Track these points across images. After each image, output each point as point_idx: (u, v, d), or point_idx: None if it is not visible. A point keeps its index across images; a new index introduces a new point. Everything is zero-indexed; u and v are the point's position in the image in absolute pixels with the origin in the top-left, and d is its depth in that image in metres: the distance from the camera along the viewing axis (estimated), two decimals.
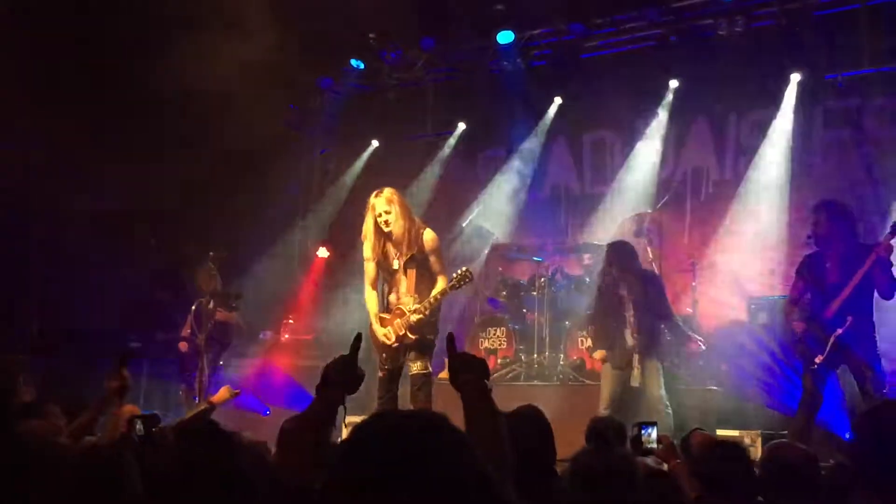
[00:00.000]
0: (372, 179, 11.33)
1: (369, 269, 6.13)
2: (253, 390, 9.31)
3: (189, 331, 8.28)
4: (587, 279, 8.50)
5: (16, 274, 9.48)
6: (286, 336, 10.19)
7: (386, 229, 5.93)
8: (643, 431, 3.59)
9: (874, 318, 5.90)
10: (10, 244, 9.29)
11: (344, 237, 11.06)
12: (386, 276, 6.11)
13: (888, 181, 8.33)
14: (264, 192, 10.81)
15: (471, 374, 2.39)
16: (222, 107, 9.35)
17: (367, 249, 6.10)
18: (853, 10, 8.67)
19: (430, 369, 5.97)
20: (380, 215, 5.92)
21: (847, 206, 6.31)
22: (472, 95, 10.78)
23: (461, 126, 11.06)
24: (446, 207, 10.27)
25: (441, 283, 5.98)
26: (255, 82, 9.92)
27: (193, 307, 8.06)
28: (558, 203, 10.59)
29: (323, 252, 11.24)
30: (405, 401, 6.06)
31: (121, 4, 9.28)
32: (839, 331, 5.75)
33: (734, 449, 3.28)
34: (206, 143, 9.79)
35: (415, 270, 5.96)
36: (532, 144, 10.56)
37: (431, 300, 5.93)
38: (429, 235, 5.98)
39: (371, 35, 10.72)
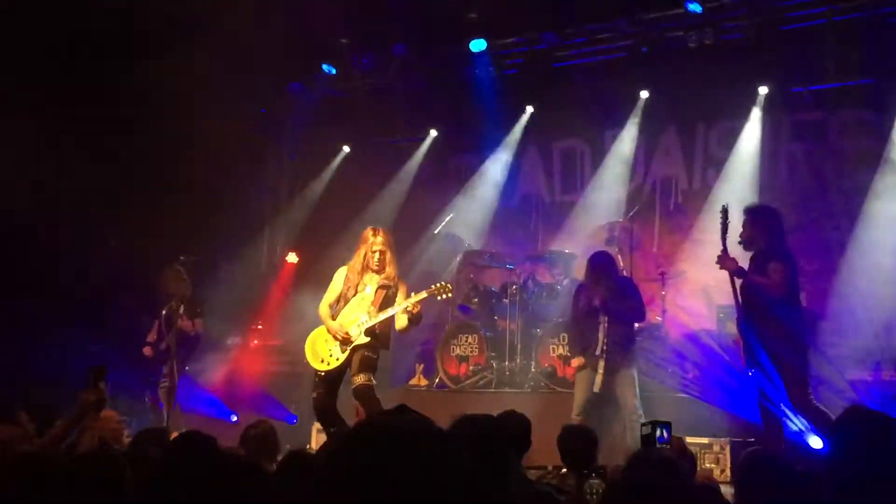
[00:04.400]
0: (342, 185, 11.33)
1: (334, 290, 6.56)
2: (221, 396, 9.21)
3: (156, 336, 8.13)
4: (558, 287, 8.53)
5: None
6: (254, 342, 10.10)
7: (375, 266, 6.43)
8: (656, 430, 3.57)
9: (784, 320, 5.89)
10: None
11: (313, 243, 11.02)
12: (349, 296, 6.48)
13: (852, 192, 8.49)
14: (233, 196, 10.72)
15: None
16: (191, 111, 9.26)
17: (341, 276, 6.56)
18: (820, 25, 8.84)
19: (374, 381, 6.30)
20: (374, 252, 6.43)
21: (772, 212, 6.36)
22: (444, 102, 10.80)
23: (433, 133, 11.06)
24: (417, 214, 10.26)
25: (402, 320, 6.40)
26: (225, 87, 9.84)
27: (163, 312, 7.89)
28: (529, 211, 10.64)
29: (292, 257, 11.16)
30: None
31: (88, 3, 9.17)
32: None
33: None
34: (173, 146, 9.69)
35: (384, 293, 6.42)
36: (503, 152, 10.60)
37: (408, 303, 6.29)
38: (403, 288, 6.51)
39: (343, 40, 10.69)
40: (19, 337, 9.12)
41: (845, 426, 3.16)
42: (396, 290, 6.47)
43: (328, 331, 6.45)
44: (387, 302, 6.42)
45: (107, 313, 9.63)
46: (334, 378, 6.42)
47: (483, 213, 10.45)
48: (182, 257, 7.95)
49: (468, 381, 8.42)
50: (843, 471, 2.95)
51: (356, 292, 6.47)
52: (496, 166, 10.60)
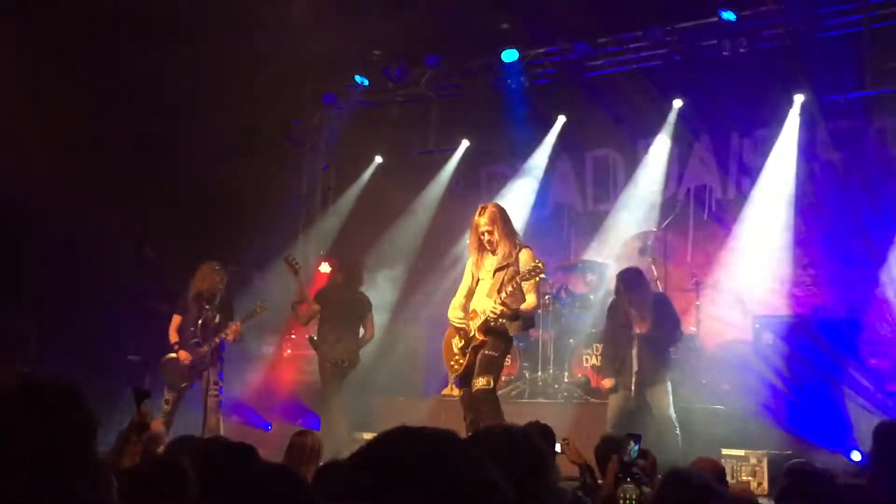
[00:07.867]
0: (375, 195, 11.39)
1: (467, 281, 6.25)
2: (254, 405, 9.27)
3: (177, 337, 7.77)
4: (591, 297, 8.50)
5: (14, 286, 9.46)
6: (288, 351, 10.15)
7: (490, 248, 6.06)
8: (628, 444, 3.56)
9: None
10: (6, 254, 9.26)
11: (346, 253, 11.06)
12: (474, 288, 6.17)
13: (891, 201, 8.36)
14: (267, 206, 10.81)
15: None
16: (225, 121, 9.38)
17: (470, 264, 6.27)
18: (857, 33, 8.73)
19: (493, 385, 5.96)
20: (482, 234, 6.06)
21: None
22: (476, 112, 10.81)
23: (465, 143, 11.07)
24: (450, 223, 10.27)
25: (530, 298, 6.00)
26: (259, 97, 9.95)
27: (201, 320, 7.67)
28: (562, 220, 10.60)
29: (325, 268, 11.21)
30: None
31: (127, 14, 9.33)
32: None
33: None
34: (208, 157, 9.81)
35: (503, 275, 5.95)
36: (535, 162, 10.57)
37: (504, 296, 5.82)
38: (525, 254, 6.04)
39: (376, 51, 10.77)
40: (58, 347, 9.29)
41: (882, 440, 3.12)
42: (517, 266, 5.88)
43: (449, 341, 6.11)
44: (505, 288, 5.83)
45: (143, 323, 9.75)
46: (469, 375, 6.00)
47: (515, 222, 10.37)
48: (216, 266, 7.97)
49: (501, 392, 8.36)
50: (883, 484, 2.91)
51: (478, 283, 6.07)
52: (528, 176, 10.57)
